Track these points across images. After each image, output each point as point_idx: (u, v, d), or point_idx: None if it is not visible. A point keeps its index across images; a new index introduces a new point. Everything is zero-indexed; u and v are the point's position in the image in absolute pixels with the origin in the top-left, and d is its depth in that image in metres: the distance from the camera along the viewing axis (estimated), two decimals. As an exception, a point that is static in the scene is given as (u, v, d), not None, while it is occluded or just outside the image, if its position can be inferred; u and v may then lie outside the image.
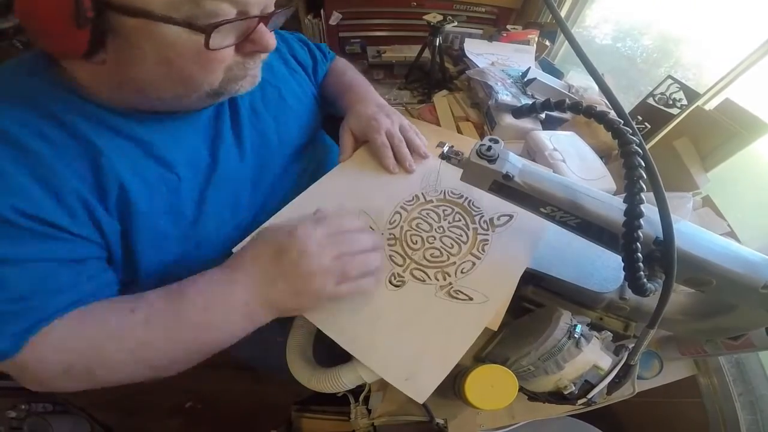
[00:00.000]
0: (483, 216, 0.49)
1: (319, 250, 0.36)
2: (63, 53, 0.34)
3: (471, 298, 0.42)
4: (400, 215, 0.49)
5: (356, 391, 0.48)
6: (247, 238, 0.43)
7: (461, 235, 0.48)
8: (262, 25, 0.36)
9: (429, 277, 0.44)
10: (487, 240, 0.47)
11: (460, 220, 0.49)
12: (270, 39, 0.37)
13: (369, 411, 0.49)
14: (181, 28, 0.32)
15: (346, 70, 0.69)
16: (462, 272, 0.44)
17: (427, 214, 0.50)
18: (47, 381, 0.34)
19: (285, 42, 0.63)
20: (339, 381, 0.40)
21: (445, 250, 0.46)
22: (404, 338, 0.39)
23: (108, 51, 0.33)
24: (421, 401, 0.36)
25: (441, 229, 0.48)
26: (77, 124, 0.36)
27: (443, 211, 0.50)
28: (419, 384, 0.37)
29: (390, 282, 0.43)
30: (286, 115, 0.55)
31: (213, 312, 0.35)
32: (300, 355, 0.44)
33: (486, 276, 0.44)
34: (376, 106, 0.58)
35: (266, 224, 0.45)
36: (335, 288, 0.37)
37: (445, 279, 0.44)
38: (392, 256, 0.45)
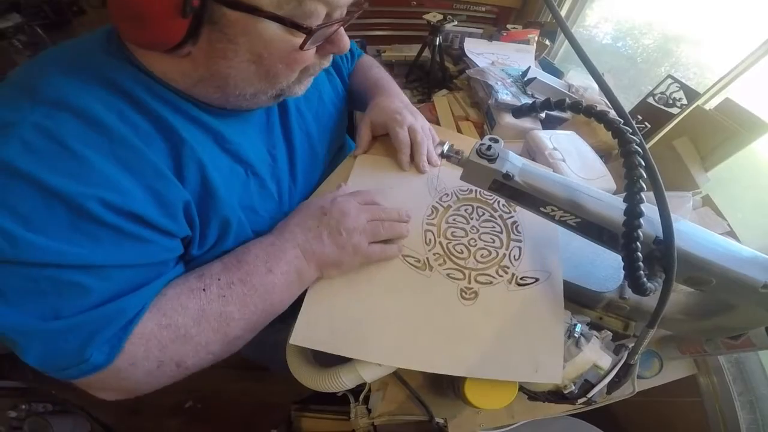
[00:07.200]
0: (498, 200, 0.50)
1: (357, 212, 0.42)
2: (151, 43, 0.31)
3: (537, 279, 0.44)
4: (432, 232, 0.48)
5: (356, 391, 0.48)
6: None
7: (494, 227, 0.49)
8: (341, 28, 0.36)
9: (493, 277, 0.44)
10: (516, 220, 0.49)
11: (484, 213, 0.50)
12: (347, 40, 0.38)
13: (369, 410, 0.49)
14: (280, 27, 0.31)
15: (372, 66, 0.68)
16: (515, 259, 0.46)
17: (454, 220, 0.49)
18: (138, 385, 0.33)
19: None
20: (339, 381, 0.40)
21: (490, 246, 0.47)
22: (509, 340, 0.40)
23: (198, 44, 0.31)
24: (559, 381, 0.39)
25: (474, 229, 0.48)
26: (158, 108, 0.34)
27: (465, 210, 0.50)
28: (548, 369, 0.39)
29: (463, 298, 0.43)
30: (324, 117, 0.56)
31: (274, 273, 0.38)
32: (300, 355, 0.44)
33: (535, 253, 0.46)
34: (401, 102, 0.57)
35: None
36: (368, 247, 0.42)
37: (506, 272, 0.45)
38: (450, 274, 0.45)
